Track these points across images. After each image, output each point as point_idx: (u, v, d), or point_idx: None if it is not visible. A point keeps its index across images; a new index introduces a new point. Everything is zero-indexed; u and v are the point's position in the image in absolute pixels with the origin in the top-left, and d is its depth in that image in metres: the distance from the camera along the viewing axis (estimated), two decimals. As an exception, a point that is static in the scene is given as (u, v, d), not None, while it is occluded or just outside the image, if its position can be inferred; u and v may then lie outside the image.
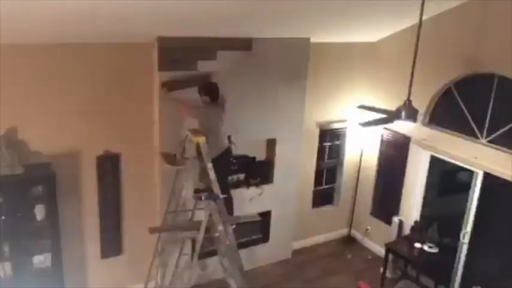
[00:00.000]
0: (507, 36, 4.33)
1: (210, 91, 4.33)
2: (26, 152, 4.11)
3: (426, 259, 5.22)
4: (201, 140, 4.09)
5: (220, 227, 4.04)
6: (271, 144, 5.52)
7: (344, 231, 6.70)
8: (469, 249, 5.12)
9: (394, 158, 5.90)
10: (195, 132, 4.22)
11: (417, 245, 5.30)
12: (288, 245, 6.08)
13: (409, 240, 5.44)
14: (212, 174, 4.13)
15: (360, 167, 6.36)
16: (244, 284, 4.28)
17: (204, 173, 4.29)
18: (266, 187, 5.54)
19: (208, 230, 4.15)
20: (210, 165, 4.12)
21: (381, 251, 5.98)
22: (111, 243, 4.87)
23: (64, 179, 4.31)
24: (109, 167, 4.64)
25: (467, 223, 5.09)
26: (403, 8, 4.40)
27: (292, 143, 5.59)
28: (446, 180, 5.54)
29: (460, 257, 5.21)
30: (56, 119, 4.24)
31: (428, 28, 4.41)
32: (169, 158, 4.49)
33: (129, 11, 3.38)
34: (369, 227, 6.40)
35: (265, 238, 5.82)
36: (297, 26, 4.70)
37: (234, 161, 5.01)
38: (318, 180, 6.29)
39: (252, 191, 5.43)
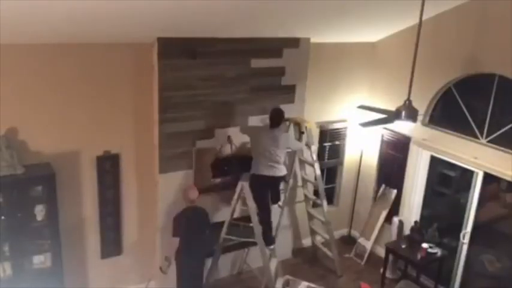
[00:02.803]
0: (507, 36, 4.34)
1: (272, 116, 4.68)
2: (26, 152, 4.11)
3: (426, 259, 5.22)
4: (309, 124, 5.15)
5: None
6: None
7: (344, 231, 6.70)
8: (469, 249, 5.12)
9: (394, 158, 5.90)
10: (301, 119, 5.19)
11: (417, 245, 5.30)
12: (288, 245, 6.08)
13: (409, 240, 5.43)
14: (315, 156, 5.38)
15: (360, 167, 6.36)
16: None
17: None
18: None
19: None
20: (314, 147, 5.39)
21: (381, 251, 5.98)
22: (111, 243, 4.87)
23: (64, 179, 4.31)
24: (109, 167, 4.63)
25: (467, 223, 5.09)
26: (403, 8, 4.40)
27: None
28: (446, 180, 5.53)
29: (460, 257, 5.21)
30: (56, 119, 4.24)
31: (428, 28, 4.42)
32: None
33: (129, 11, 3.38)
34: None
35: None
36: (297, 26, 4.70)
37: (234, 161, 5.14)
38: (318, 180, 6.29)
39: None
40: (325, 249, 5.91)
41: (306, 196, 5.88)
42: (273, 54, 4.92)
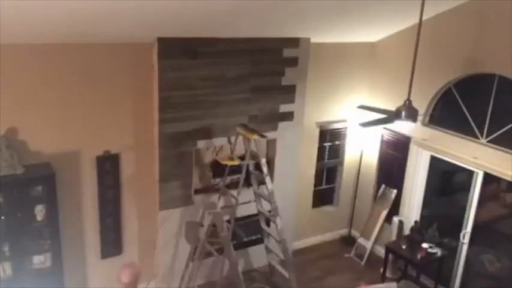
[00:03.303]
0: (507, 36, 4.34)
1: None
2: (26, 152, 4.11)
3: (426, 259, 5.22)
4: (255, 137, 4.45)
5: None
6: (271, 144, 5.52)
7: (344, 231, 6.70)
8: (469, 249, 5.12)
9: (394, 158, 5.90)
10: (249, 129, 4.54)
11: (417, 245, 5.30)
12: (288, 245, 6.06)
13: (409, 240, 5.43)
14: (265, 170, 4.65)
15: (360, 167, 6.36)
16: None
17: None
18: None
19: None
20: (263, 160, 4.63)
21: (381, 251, 5.98)
22: (111, 243, 4.87)
23: (64, 179, 4.31)
24: (109, 167, 4.63)
25: (467, 223, 5.09)
26: (403, 8, 4.40)
27: (292, 143, 5.58)
28: (446, 180, 5.54)
29: (460, 257, 5.21)
30: (56, 119, 4.24)
31: (429, 28, 4.42)
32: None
33: (129, 11, 3.38)
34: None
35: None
36: (297, 26, 4.70)
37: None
38: (318, 180, 6.29)
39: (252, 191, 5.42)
40: (281, 269, 5.22)
41: (259, 212, 5.23)
42: (276, 52, 4.95)
